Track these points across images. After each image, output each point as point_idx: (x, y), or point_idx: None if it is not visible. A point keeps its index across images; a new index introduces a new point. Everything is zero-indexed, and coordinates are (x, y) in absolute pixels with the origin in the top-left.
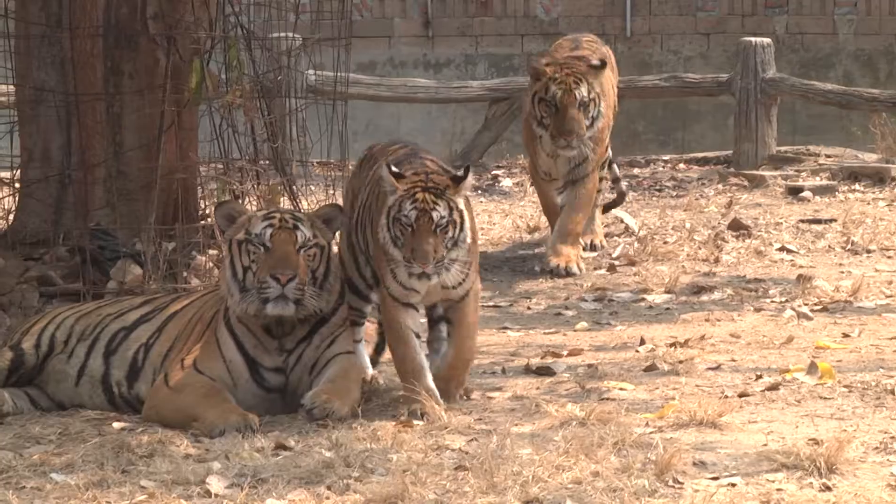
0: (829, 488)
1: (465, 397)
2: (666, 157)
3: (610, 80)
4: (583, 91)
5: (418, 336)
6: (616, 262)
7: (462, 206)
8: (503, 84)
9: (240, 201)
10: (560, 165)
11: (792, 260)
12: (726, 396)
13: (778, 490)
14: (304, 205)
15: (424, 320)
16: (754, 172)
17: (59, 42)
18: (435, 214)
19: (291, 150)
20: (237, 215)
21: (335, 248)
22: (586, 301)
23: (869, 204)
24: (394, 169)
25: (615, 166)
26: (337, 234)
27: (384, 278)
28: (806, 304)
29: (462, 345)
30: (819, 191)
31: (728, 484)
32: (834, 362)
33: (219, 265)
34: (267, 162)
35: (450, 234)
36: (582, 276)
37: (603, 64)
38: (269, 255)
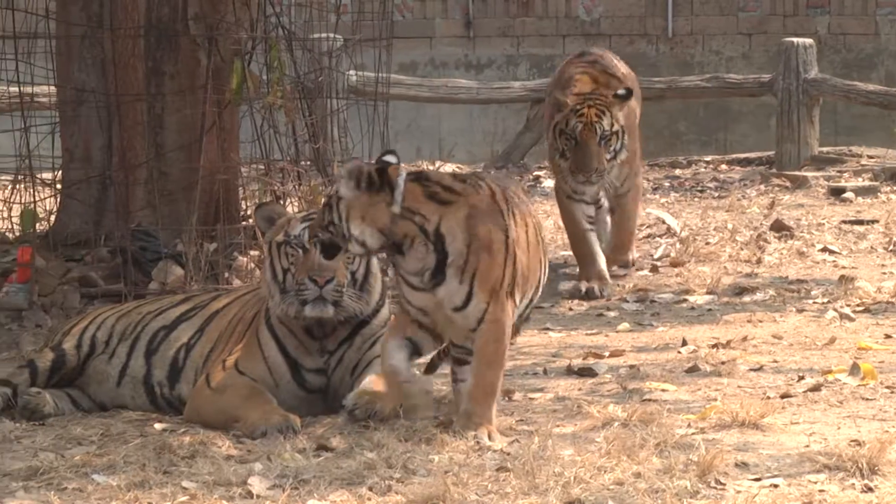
0: (871, 489)
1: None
2: (708, 158)
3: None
4: (605, 124)
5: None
6: (658, 263)
7: None
8: (544, 85)
9: (281, 202)
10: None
11: (834, 261)
12: (768, 397)
13: (820, 491)
14: None
15: None
16: (796, 173)
17: (101, 43)
18: None
19: (332, 151)
20: (277, 217)
21: None
22: (628, 302)
23: None
24: None
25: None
26: None
27: None
28: (848, 305)
29: (480, 376)
30: (861, 191)
31: (770, 485)
32: (876, 363)
33: (260, 266)
34: (308, 163)
35: None
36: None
37: (629, 93)
38: (308, 257)
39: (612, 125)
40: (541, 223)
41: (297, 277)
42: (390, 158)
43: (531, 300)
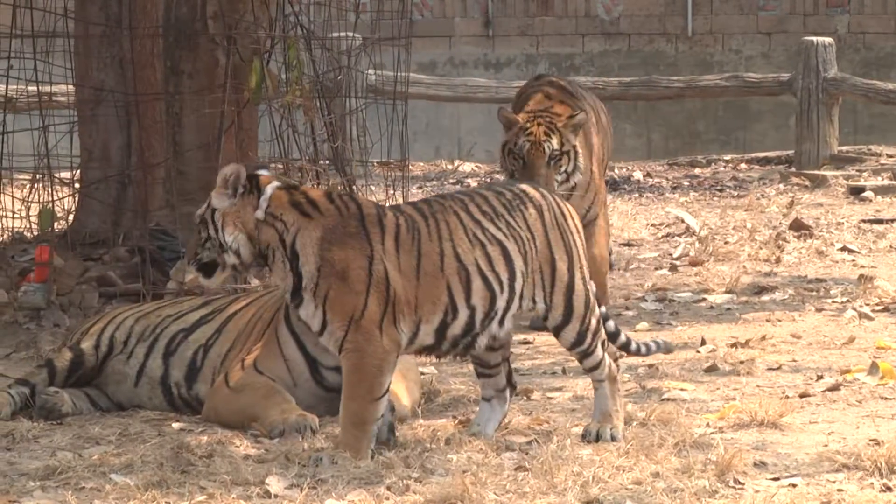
0: (889, 489)
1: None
2: (727, 157)
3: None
4: (554, 143)
5: None
6: (677, 262)
7: None
8: None
9: None
10: None
11: (853, 260)
12: (787, 397)
13: (839, 491)
14: None
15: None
16: (816, 172)
17: (119, 42)
18: None
19: (351, 151)
20: None
21: None
22: (647, 301)
23: None
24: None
25: None
26: None
27: None
28: (867, 305)
29: (344, 405)
30: (881, 190)
31: (789, 484)
32: (895, 363)
33: None
34: (327, 162)
35: None
36: None
37: (579, 113)
38: None
39: (563, 144)
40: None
41: None
42: (263, 172)
43: (446, 325)
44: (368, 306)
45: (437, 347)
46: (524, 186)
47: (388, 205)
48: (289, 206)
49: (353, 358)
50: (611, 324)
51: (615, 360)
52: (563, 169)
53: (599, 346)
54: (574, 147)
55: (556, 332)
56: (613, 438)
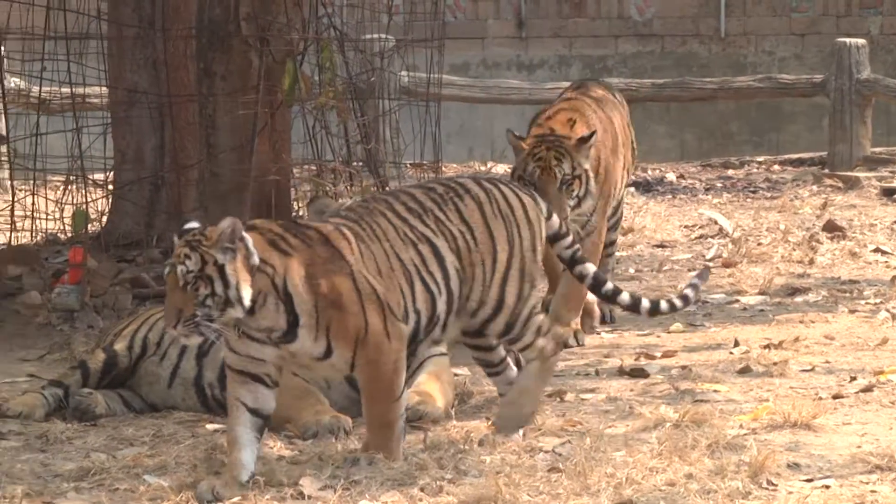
0: None
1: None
2: (760, 159)
3: (613, 137)
4: (565, 168)
5: None
6: (710, 264)
7: None
8: None
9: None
10: None
11: (886, 261)
12: (820, 398)
13: (872, 492)
14: None
15: None
16: (849, 174)
17: (152, 44)
18: None
19: (385, 152)
20: (327, 208)
21: None
22: None
23: None
24: None
25: None
26: None
27: None
28: None
29: (368, 410)
30: None
31: (822, 486)
32: None
33: None
34: (360, 163)
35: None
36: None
37: (591, 135)
38: None
39: (574, 168)
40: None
41: None
42: (193, 224)
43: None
44: (370, 321)
45: None
46: (462, 180)
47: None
48: (269, 248)
49: (368, 370)
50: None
51: (558, 345)
52: (574, 194)
53: (530, 333)
54: (586, 171)
55: (484, 326)
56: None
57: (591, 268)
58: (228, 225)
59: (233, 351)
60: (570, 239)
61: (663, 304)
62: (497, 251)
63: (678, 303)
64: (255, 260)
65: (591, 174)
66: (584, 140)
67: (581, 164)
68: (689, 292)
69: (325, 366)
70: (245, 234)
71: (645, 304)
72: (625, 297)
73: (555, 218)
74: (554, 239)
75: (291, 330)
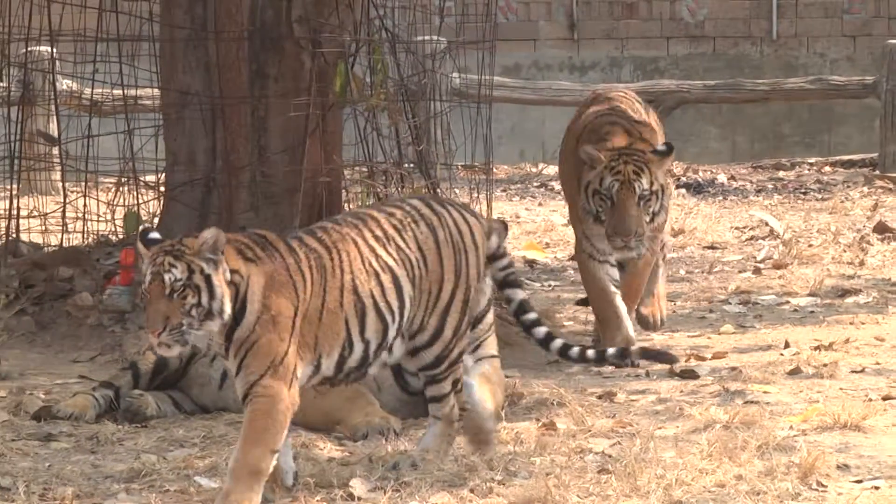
0: None
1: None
2: (811, 160)
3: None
4: (644, 183)
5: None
6: (761, 265)
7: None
8: (649, 86)
9: None
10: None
11: None
12: (870, 399)
13: None
14: None
15: None
16: None
17: (205, 46)
18: None
19: (436, 154)
20: None
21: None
22: (730, 304)
23: None
24: None
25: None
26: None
27: None
28: None
29: (242, 451)
30: None
31: (871, 487)
32: None
33: None
34: (411, 165)
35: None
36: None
37: (669, 149)
38: None
39: (652, 184)
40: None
41: None
42: (154, 235)
43: (344, 358)
44: (289, 351)
45: (335, 378)
46: (415, 202)
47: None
48: (235, 256)
49: (262, 403)
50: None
51: (462, 409)
52: (650, 210)
53: (451, 381)
54: (662, 186)
55: (415, 352)
56: (414, 466)
57: (520, 293)
58: (212, 235)
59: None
60: (506, 260)
61: (574, 351)
62: (444, 279)
63: (589, 354)
64: (227, 273)
65: (666, 189)
66: (661, 153)
67: (658, 178)
68: (593, 354)
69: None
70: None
71: (556, 343)
72: (540, 330)
73: (494, 237)
74: (491, 258)
75: (227, 338)
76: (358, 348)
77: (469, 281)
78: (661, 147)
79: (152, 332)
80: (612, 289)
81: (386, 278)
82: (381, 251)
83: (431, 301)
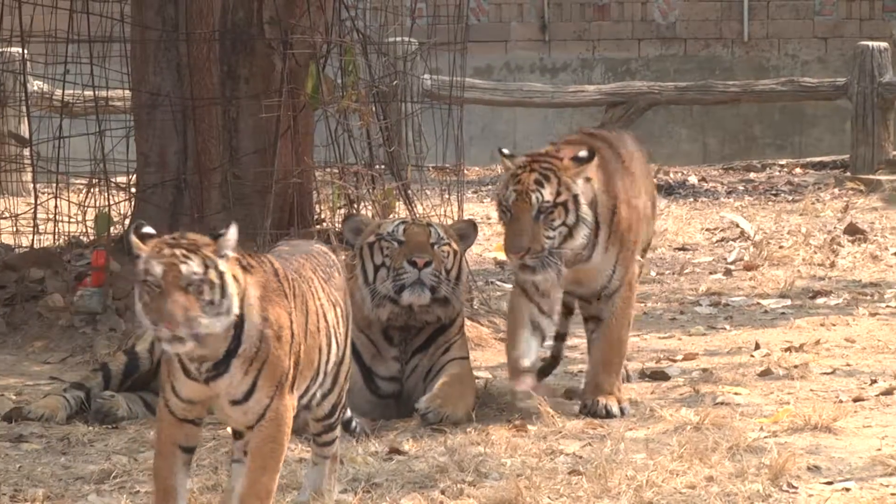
0: None
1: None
2: (782, 162)
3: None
4: (545, 193)
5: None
6: (731, 267)
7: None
8: (620, 88)
9: (355, 206)
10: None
11: None
12: (841, 401)
13: (892, 494)
14: (420, 210)
15: None
16: (871, 177)
17: (176, 47)
18: None
19: (407, 155)
20: (364, 226)
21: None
22: (701, 305)
23: None
24: None
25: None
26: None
27: None
28: None
29: (254, 479)
30: None
31: (842, 488)
32: None
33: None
34: (382, 166)
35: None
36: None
37: (591, 155)
38: (404, 245)
39: (559, 194)
40: (337, 299)
41: (395, 265)
42: (149, 230)
43: (312, 391)
44: (290, 370)
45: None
46: (320, 246)
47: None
48: (234, 263)
49: (273, 427)
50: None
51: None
52: (556, 224)
53: (340, 425)
54: (575, 198)
55: (319, 401)
56: None
57: None
58: (234, 234)
59: (176, 394)
60: None
61: (353, 423)
62: (341, 324)
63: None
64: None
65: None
66: (580, 160)
67: (571, 188)
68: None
69: (237, 412)
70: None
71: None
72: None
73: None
74: None
75: (226, 359)
76: (319, 380)
77: (350, 325)
78: (581, 153)
79: (172, 326)
80: (526, 330)
81: (333, 313)
82: (327, 287)
83: (340, 346)
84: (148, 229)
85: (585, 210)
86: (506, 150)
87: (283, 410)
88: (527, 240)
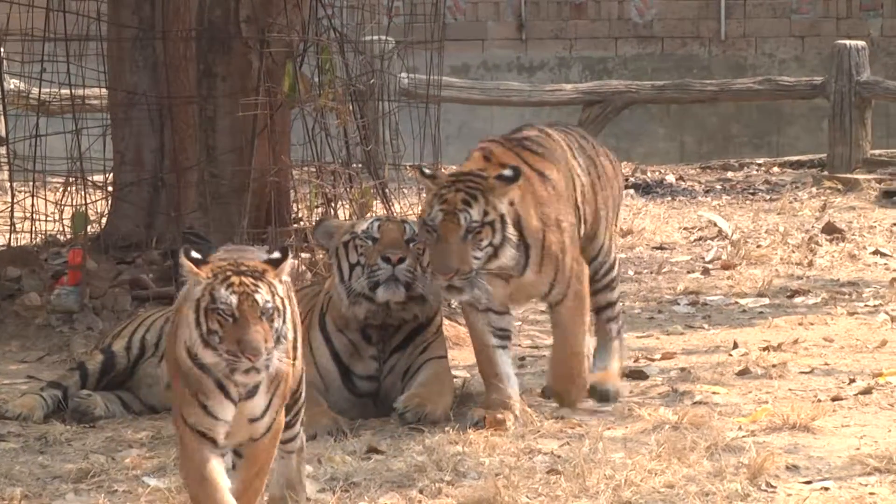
0: None
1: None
2: (760, 161)
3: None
4: (473, 213)
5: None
6: (709, 266)
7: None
8: (597, 87)
9: (332, 205)
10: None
11: (885, 263)
12: (819, 400)
13: (871, 494)
14: (397, 208)
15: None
16: (848, 176)
17: (152, 45)
18: None
19: (384, 154)
20: (336, 229)
21: None
22: (679, 304)
23: None
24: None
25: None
26: None
27: None
28: None
29: (249, 483)
30: None
31: (821, 488)
32: None
33: (311, 268)
34: (360, 165)
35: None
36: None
37: (516, 174)
38: (379, 242)
39: (487, 214)
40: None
41: (369, 262)
42: (195, 254)
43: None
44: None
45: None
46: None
47: None
48: None
49: (271, 439)
50: None
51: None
52: (484, 243)
53: (300, 421)
54: (502, 216)
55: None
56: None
57: None
58: (290, 259)
59: (210, 414)
60: None
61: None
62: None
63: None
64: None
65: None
66: (505, 179)
67: (497, 208)
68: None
69: (251, 428)
70: None
71: None
72: None
73: None
74: None
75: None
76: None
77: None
78: (506, 172)
79: (252, 356)
80: (493, 341)
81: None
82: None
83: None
84: (195, 254)
85: (511, 231)
86: (427, 170)
87: (280, 422)
88: (455, 261)
